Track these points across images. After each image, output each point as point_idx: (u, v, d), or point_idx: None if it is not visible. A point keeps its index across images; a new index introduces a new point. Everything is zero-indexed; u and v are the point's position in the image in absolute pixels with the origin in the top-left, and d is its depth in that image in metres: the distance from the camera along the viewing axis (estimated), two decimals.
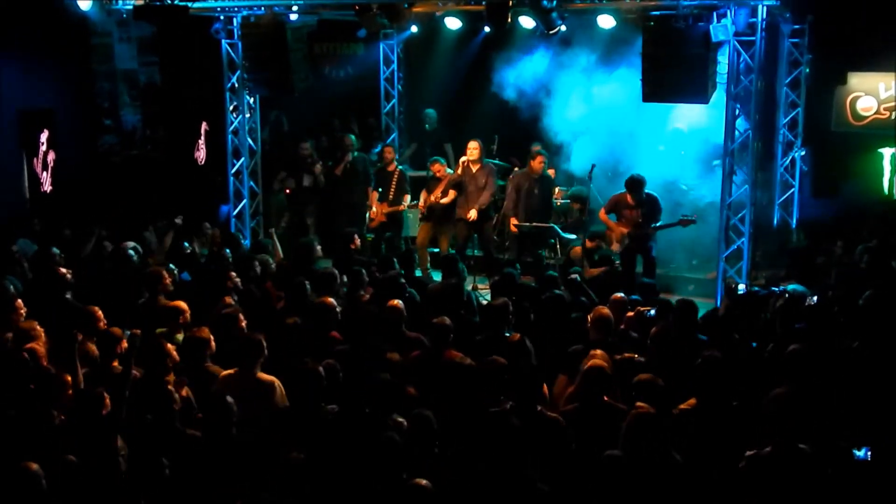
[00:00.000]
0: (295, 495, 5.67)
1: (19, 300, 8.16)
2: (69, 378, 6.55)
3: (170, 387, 6.45)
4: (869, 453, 6.01)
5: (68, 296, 8.77)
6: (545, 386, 6.96)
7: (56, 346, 7.31)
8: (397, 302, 8.14)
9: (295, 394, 6.70)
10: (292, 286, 9.00)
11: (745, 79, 10.87)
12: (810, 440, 5.75)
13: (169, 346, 7.12)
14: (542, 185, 12.39)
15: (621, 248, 11.47)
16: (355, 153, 13.93)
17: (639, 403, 6.12)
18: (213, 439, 6.08)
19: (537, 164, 12.33)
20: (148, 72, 14.07)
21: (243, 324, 7.87)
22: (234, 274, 9.26)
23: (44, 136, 12.22)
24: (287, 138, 14.53)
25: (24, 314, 8.01)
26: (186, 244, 10.79)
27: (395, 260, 10.23)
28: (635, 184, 11.24)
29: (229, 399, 6.21)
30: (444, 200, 12.70)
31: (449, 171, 13.05)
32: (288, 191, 14.34)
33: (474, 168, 12.61)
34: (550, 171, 13.51)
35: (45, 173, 12.30)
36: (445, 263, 10.08)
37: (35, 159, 12.13)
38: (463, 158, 12.73)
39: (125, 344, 7.26)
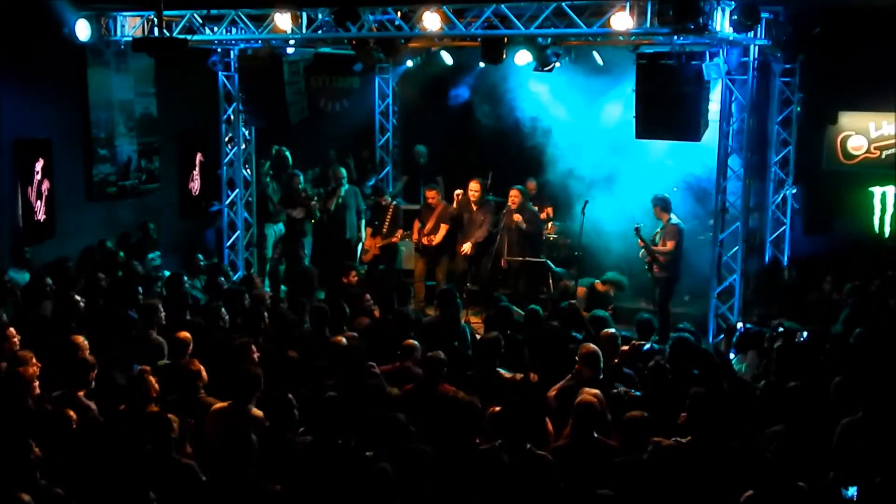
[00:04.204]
0: None
1: (11, 328, 8.15)
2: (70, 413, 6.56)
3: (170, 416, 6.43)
4: (856, 492, 6.02)
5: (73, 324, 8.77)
6: (549, 423, 6.97)
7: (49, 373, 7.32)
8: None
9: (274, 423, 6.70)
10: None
11: (737, 117, 10.97)
12: (803, 478, 5.75)
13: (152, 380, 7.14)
14: (522, 219, 12.46)
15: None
16: (346, 186, 14.00)
17: (658, 439, 6.15)
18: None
19: (509, 200, 12.50)
20: (144, 102, 14.11)
21: (255, 355, 7.87)
22: (223, 311, 9.25)
23: (38, 165, 12.23)
24: (289, 172, 14.62)
25: (18, 342, 8.01)
26: (186, 278, 10.77)
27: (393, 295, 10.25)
28: (654, 200, 11.76)
29: (253, 437, 6.22)
30: (435, 240, 12.82)
31: (443, 201, 13.13)
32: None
33: (475, 207, 12.73)
34: (548, 210, 13.70)
35: (38, 202, 12.30)
36: (441, 297, 10.11)
37: (29, 188, 12.13)
38: (458, 191, 12.86)
39: (94, 374, 7.26)
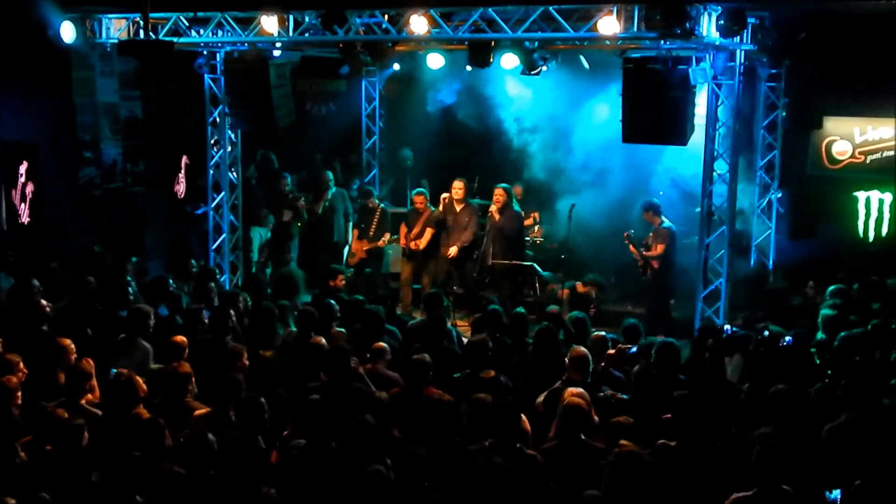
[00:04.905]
0: None
1: None
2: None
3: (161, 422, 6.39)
4: (840, 495, 6.04)
5: (45, 328, 8.69)
6: (526, 421, 6.96)
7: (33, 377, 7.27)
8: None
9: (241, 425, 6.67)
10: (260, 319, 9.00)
11: (723, 121, 11.02)
12: (792, 482, 5.77)
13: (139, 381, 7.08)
14: (504, 220, 12.47)
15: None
16: (333, 189, 13.97)
17: (622, 442, 6.14)
18: (194, 476, 6.02)
19: (493, 199, 12.53)
20: (129, 105, 14.06)
21: (245, 361, 7.79)
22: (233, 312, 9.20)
23: (23, 168, 12.17)
24: (276, 175, 14.59)
25: (1, 344, 7.96)
26: (171, 280, 10.71)
27: (387, 300, 10.30)
28: (644, 206, 12.00)
29: (210, 437, 6.16)
30: (421, 244, 12.84)
31: (430, 206, 13.15)
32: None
33: (458, 207, 12.74)
34: (535, 214, 13.75)
35: (23, 205, 12.23)
36: (428, 300, 10.11)
37: (13, 191, 12.06)
38: (444, 195, 12.87)
39: (94, 381, 7.22)
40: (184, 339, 8.07)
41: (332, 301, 9.51)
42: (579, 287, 12.16)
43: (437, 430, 6.66)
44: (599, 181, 13.05)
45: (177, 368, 7.31)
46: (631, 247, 12.03)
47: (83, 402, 7.14)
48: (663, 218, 12.03)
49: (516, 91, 13.90)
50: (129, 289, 10.11)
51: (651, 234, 12.04)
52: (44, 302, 9.15)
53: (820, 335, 9.16)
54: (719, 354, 8.45)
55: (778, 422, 6.65)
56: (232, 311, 9.08)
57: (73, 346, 7.82)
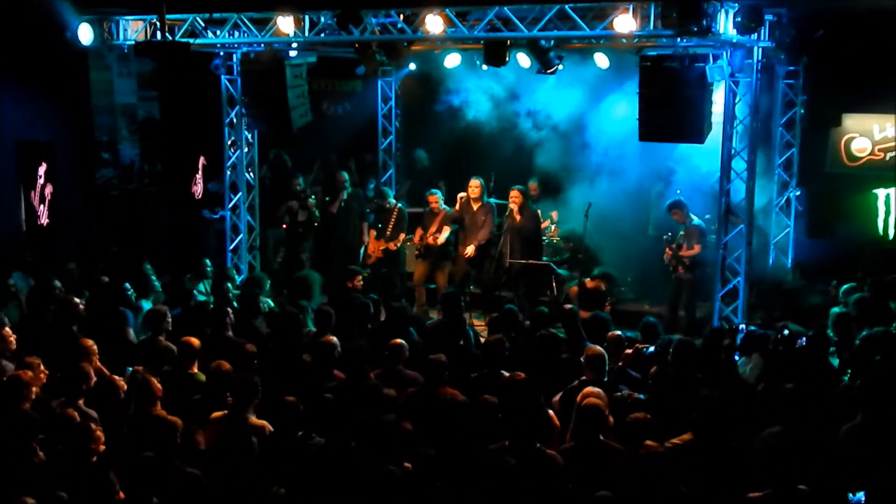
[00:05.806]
0: None
1: (7, 329, 8.14)
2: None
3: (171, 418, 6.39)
4: (864, 497, 5.99)
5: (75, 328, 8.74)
6: (555, 417, 6.94)
7: (56, 378, 7.30)
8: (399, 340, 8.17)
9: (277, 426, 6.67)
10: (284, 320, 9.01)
11: (740, 119, 10.95)
12: (807, 482, 5.72)
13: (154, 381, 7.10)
14: (523, 220, 12.44)
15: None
16: (349, 189, 14.00)
17: (648, 442, 6.13)
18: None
19: (510, 201, 12.48)
20: (146, 106, 14.12)
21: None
22: (230, 310, 9.23)
23: (42, 169, 12.25)
24: (289, 175, 14.63)
25: (14, 341, 7.99)
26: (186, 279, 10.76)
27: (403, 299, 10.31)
28: (670, 205, 11.99)
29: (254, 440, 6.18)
30: (439, 241, 12.82)
31: (445, 206, 13.14)
32: (284, 226, 14.37)
33: (475, 206, 12.73)
34: (553, 214, 13.72)
35: (42, 206, 12.31)
36: (444, 300, 10.09)
37: (32, 192, 12.15)
38: (461, 194, 12.85)
39: (92, 384, 7.22)
40: (196, 340, 8.09)
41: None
42: (588, 283, 12.08)
43: (449, 430, 6.64)
44: (616, 178, 12.99)
45: (220, 366, 7.33)
46: (668, 250, 11.96)
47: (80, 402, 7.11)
48: (692, 216, 11.97)
49: (533, 89, 13.85)
50: (126, 286, 10.11)
51: (683, 232, 11.95)
52: (77, 300, 9.20)
53: (830, 334, 9.10)
54: (732, 354, 8.41)
55: (787, 421, 6.59)
56: (229, 310, 9.10)
57: (94, 346, 7.84)
